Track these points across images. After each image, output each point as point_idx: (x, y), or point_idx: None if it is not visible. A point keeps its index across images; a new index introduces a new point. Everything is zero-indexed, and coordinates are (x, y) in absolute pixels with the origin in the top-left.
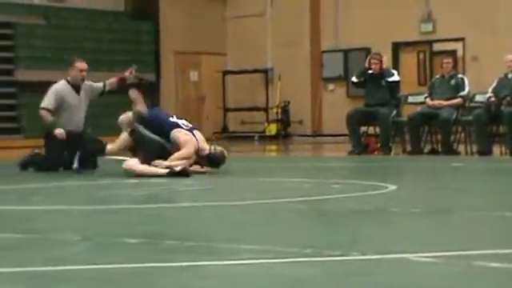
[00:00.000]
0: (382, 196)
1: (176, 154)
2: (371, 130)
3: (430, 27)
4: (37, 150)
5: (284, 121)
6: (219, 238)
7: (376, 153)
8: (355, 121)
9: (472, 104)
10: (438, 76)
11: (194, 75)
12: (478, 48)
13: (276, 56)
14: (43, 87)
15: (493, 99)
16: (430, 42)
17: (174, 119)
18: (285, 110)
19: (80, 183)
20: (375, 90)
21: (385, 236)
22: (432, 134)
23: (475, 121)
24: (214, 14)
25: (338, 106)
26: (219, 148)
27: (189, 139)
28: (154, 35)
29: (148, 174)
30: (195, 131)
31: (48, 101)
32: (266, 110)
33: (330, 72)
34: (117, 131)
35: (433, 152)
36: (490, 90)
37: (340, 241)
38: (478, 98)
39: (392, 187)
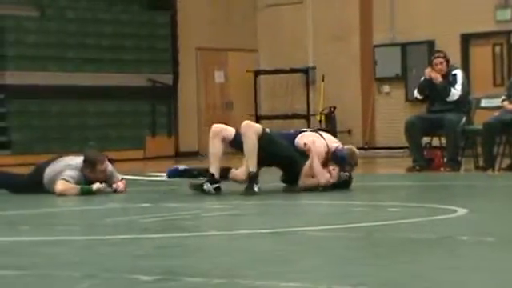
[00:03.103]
0: (449, 222)
1: (318, 165)
2: (436, 141)
3: (507, 15)
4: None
5: (329, 130)
6: (251, 274)
7: (442, 169)
8: (416, 130)
9: None
10: None
11: (219, 76)
12: None
13: (318, 52)
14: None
15: None
16: (509, 33)
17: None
18: (330, 118)
19: (81, 208)
20: (440, 94)
21: (452, 271)
22: (511, 145)
23: None
24: (243, 3)
25: (394, 112)
26: (347, 146)
27: (314, 140)
28: (171, 28)
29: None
30: (321, 132)
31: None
32: (307, 117)
33: (385, 71)
34: (122, 144)
35: None
36: None
37: (396, 278)
38: None
39: (462, 211)
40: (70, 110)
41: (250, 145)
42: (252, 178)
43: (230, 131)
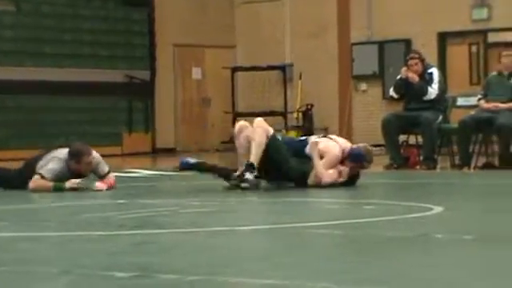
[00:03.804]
0: (426, 220)
1: (319, 165)
2: (412, 139)
3: (483, 14)
4: None
5: (306, 128)
6: (228, 271)
7: (418, 167)
8: (393, 128)
9: None
10: (494, 73)
11: (196, 73)
12: None
13: (296, 49)
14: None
15: None
16: (485, 32)
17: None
18: (307, 115)
19: (59, 205)
20: (416, 92)
21: (428, 269)
22: (487, 143)
23: None
24: None
25: (371, 109)
26: (362, 144)
27: (326, 144)
28: (148, 25)
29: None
30: (331, 136)
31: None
32: (283, 114)
33: (362, 69)
34: (99, 140)
35: (488, 166)
36: None
37: (374, 275)
38: None
39: (437, 209)
40: (46, 105)
41: (258, 141)
42: (247, 167)
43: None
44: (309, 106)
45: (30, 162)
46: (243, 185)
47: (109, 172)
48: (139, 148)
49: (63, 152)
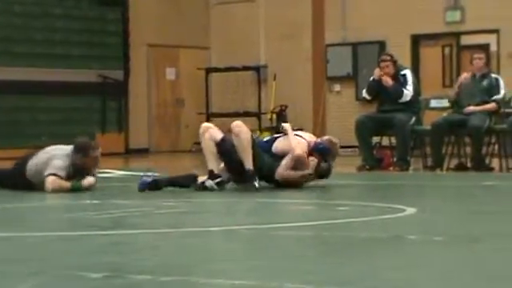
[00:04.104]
0: (398, 221)
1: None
2: (385, 140)
3: (457, 16)
4: None
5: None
6: (201, 271)
7: (391, 168)
8: (366, 129)
9: (508, 109)
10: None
11: (170, 73)
12: None
13: (270, 51)
14: None
15: None
16: (458, 35)
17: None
18: (281, 116)
19: (30, 205)
20: (389, 94)
21: (401, 270)
22: (459, 145)
23: (511, 129)
24: (195, 0)
25: (345, 111)
26: (326, 137)
27: (293, 141)
28: (121, 24)
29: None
30: (296, 132)
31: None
32: (258, 115)
33: (336, 70)
34: (72, 140)
35: (460, 167)
36: None
37: (346, 276)
38: None
39: (410, 210)
40: (18, 105)
41: (246, 142)
42: (250, 176)
43: (217, 132)
44: (283, 107)
45: (22, 160)
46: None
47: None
48: (112, 148)
49: (63, 148)
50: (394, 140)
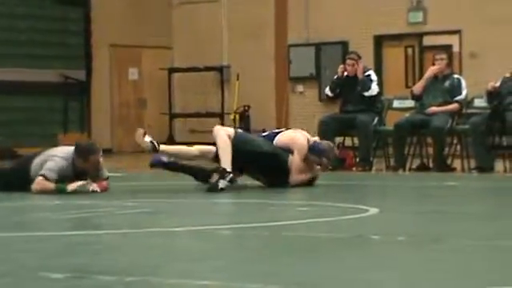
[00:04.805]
0: (361, 221)
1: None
2: (348, 141)
3: (419, 17)
4: None
5: (243, 129)
6: (165, 271)
7: (354, 169)
8: (329, 130)
9: (470, 110)
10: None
11: (133, 73)
12: (478, 43)
13: (233, 51)
14: None
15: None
16: (420, 35)
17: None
18: (244, 117)
19: None
20: (352, 94)
21: (363, 270)
22: (422, 146)
23: (473, 130)
24: (158, 0)
25: (308, 111)
26: (325, 141)
27: (296, 135)
28: (83, 24)
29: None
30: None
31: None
32: (221, 116)
33: (299, 70)
34: (33, 141)
35: (422, 168)
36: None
37: (307, 276)
38: (478, 102)
39: (373, 210)
40: None
41: (222, 143)
42: (221, 174)
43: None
44: (246, 108)
45: (26, 159)
46: (220, 186)
47: (107, 178)
48: None
49: (64, 151)
50: (356, 140)
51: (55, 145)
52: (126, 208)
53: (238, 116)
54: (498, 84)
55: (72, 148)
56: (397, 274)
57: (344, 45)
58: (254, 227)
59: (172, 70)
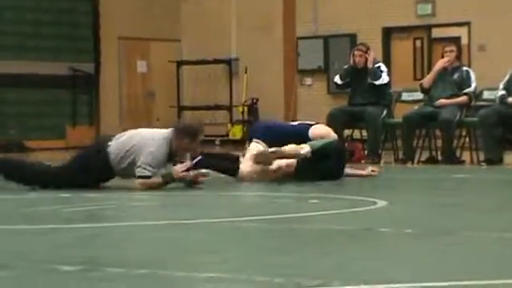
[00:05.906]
0: (370, 214)
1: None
2: (357, 133)
3: (428, 9)
4: None
5: (251, 122)
6: (174, 264)
7: (363, 161)
8: (338, 122)
9: (479, 102)
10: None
11: (141, 66)
12: (487, 35)
13: (242, 44)
14: None
15: (510, 99)
16: (429, 27)
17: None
18: (252, 109)
19: (1, 197)
20: (361, 86)
21: (372, 262)
22: (430, 138)
23: (482, 123)
24: None
25: (316, 104)
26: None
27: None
28: (92, 17)
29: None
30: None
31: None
32: (229, 108)
33: (308, 63)
34: (42, 133)
35: (431, 160)
36: (501, 85)
37: (318, 268)
38: (487, 95)
39: (382, 203)
40: None
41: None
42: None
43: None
44: (254, 100)
45: (98, 146)
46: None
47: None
48: (83, 141)
49: (154, 138)
50: (365, 133)
51: (63, 137)
52: (136, 200)
53: (246, 108)
54: (506, 78)
55: (160, 132)
56: (406, 265)
57: (352, 37)
58: (263, 220)
59: (181, 63)
